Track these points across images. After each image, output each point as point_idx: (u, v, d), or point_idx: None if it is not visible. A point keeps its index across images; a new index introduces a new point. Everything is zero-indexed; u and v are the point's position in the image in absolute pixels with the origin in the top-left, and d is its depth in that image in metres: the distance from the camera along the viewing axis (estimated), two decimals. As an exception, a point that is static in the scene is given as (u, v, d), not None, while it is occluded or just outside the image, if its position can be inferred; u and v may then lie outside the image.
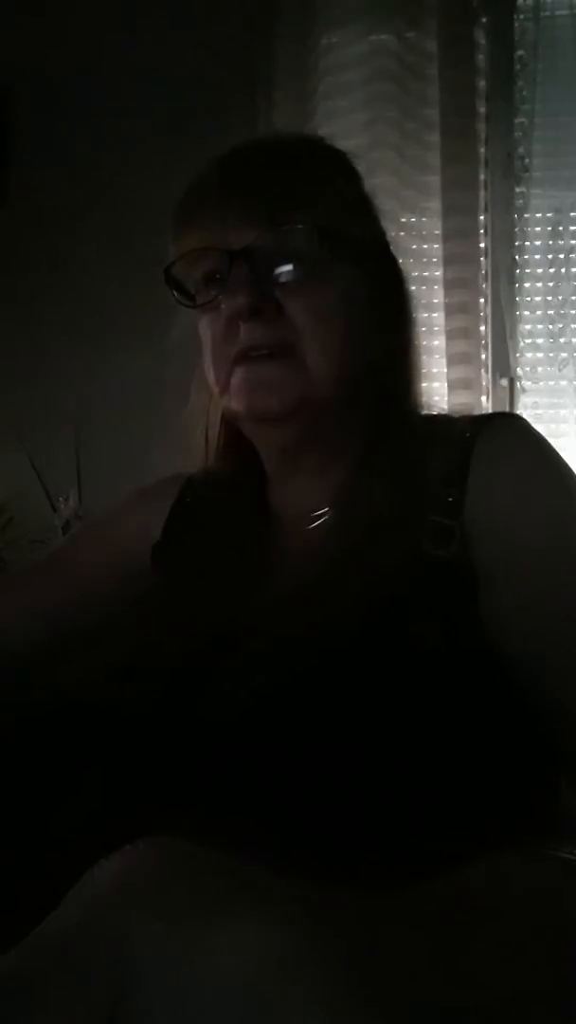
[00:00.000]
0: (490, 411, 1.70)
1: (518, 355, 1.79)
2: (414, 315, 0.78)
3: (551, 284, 1.82)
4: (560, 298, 1.81)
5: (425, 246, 1.84)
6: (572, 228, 1.82)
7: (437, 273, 1.82)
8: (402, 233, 1.80)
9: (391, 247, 0.78)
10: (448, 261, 1.80)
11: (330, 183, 0.72)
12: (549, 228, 1.83)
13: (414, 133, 1.82)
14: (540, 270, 1.83)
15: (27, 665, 0.82)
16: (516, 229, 1.78)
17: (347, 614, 0.61)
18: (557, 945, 0.46)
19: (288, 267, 0.68)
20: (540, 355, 1.82)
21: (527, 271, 1.81)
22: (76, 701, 0.72)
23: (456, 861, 0.50)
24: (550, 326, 1.82)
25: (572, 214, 1.82)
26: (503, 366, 1.80)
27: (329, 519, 0.72)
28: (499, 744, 0.62)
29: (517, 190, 1.77)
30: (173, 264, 0.71)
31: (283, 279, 0.68)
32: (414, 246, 1.82)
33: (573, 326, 1.81)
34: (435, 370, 1.78)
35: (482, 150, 1.79)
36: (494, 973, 0.42)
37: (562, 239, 1.82)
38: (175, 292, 0.72)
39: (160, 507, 0.83)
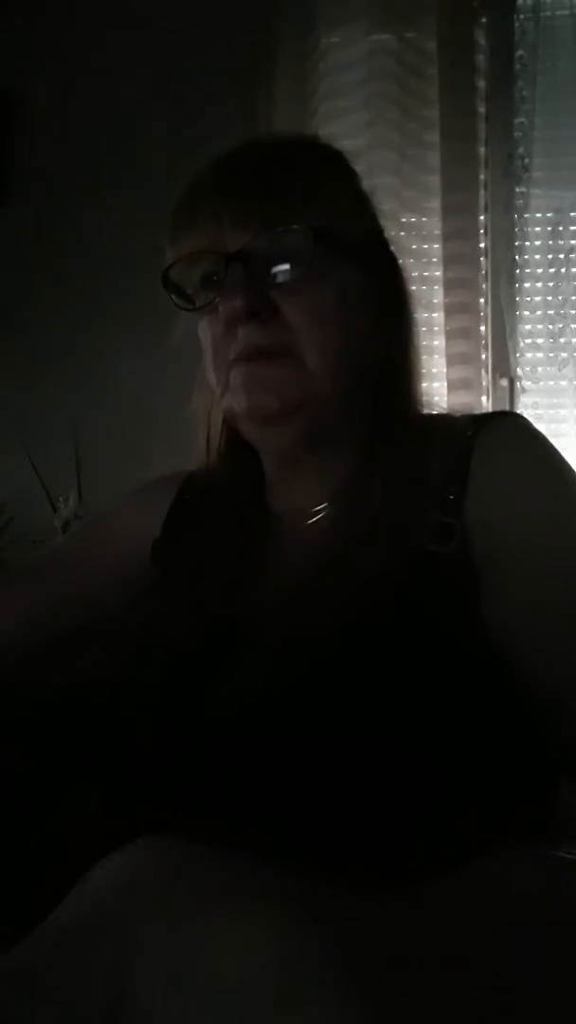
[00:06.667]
0: (490, 411, 1.70)
1: (518, 355, 1.79)
2: (413, 314, 0.78)
3: (551, 284, 1.83)
4: (560, 298, 1.82)
5: (425, 246, 1.84)
6: (572, 228, 1.83)
7: (437, 273, 1.82)
8: (403, 233, 1.80)
9: (389, 245, 0.78)
10: (448, 261, 1.80)
11: (325, 182, 0.72)
12: (549, 228, 1.83)
13: (414, 133, 1.83)
14: (540, 270, 1.83)
15: (28, 663, 0.82)
16: (516, 229, 1.78)
17: (347, 611, 0.61)
18: (557, 945, 0.46)
19: (284, 268, 0.68)
20: (540, 355, 1.83)
21: (527, 271, 1.82)
22: (77, 699, 0.72)
23: (456, 860, 0.50)
24: (550, 326, 1.82)
25: (572, 214, 1.83)
26: (503, 366, 1.81)
27: (329, 516, 0.72)
28: (499, 743, 0.62)
29: (517, 190, 1.77)
30: (170, 267, 0.71)
31: (279, 280, 0.68)
32: (414, 246, 1.83)
33: (573, 326, 1.81)
34: (435, 370, 1.79)
35: (482, 150, 1.80)
36: (493, 973, 0.42)
37: (562, 239, 1.83)
38: (173, 296, 0.72)
39: (160, 504, 0.84)
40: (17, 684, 0.81)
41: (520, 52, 1.78)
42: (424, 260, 1.83)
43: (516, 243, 1.78)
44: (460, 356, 1.80)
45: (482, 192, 1.81)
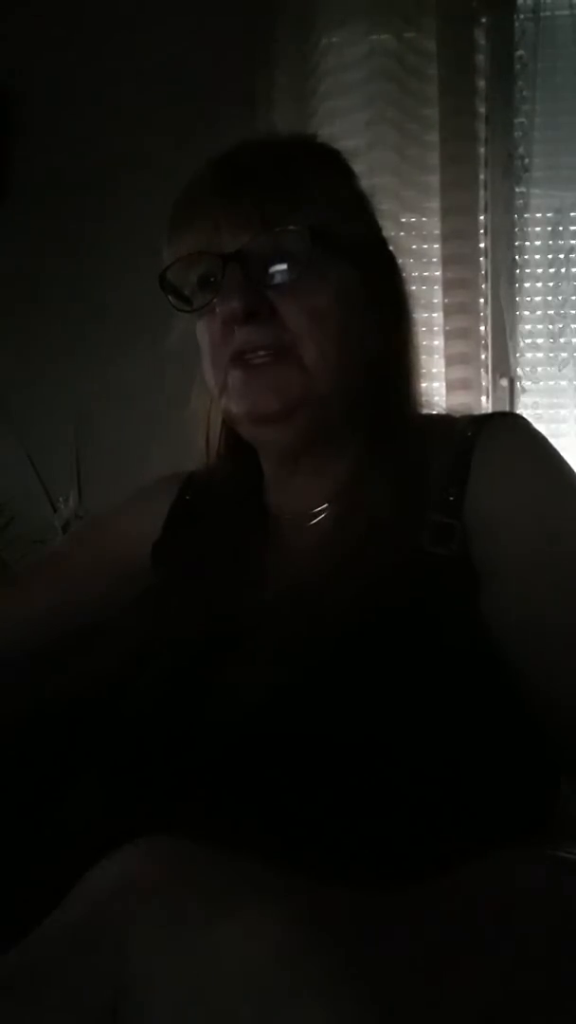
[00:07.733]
0: (490, 411, 1.70)
1: (518, 355, 1.79)
2: (412, 313, 0.78)
3: (551, 284, 1.83)
4: (560, 298, 1.82)
5: (425, 246, 1.84)
6: (572, 228, 1.83)
7: (437, 273, 1.82)
8: (402, 233, 1.80)
9: (388, 245, 0.78)
10: (447, 262, 1.81)
11: (322, 182, 0.71)
12: (549, 228, 1.83)
13: (414, 133, 1.83)
14: (540, 270, 1.83)
15: (28, 665, 0.82)
16: (516, 229, 1.78)
17: (347, 612, 0.61)
18: (557, 944, 0.46)
19: (281, 269, 0.68)
20: (540, 355, 1.83)
21: (527, 271, 1.82)
22: (77, 700, 0.72)
23: (456, 859, 0.50)
24: (550, 326, 1.82)
25: (572, 214, 1.83)
26: (503, 366, 1.81)
27: (329, 517, 0.72)
28: (499, 742, 0.62)
29: (517, 190, 1.78)
30: (168, 269, 0.71)
31: (277, 281, 0.68)
32: (414, 246, 1.83)
33: (573, 326, 1.81)
34: (435, 370, 1.79)
35: (482, 150, 1.80)
36: (494, 972, 0.42)
37: (562, 239, 1.83)
38: (171, 297, 0.72)
39: (160, 505, 0.84)
40: (18, 685, 0.81)
41: (520, 52, 1.78)
42: (424, 260, 1.83)
43: (516, 243, 1.78)
44: (460, 356, 1.80)
45: (482, 192, 1.81)
